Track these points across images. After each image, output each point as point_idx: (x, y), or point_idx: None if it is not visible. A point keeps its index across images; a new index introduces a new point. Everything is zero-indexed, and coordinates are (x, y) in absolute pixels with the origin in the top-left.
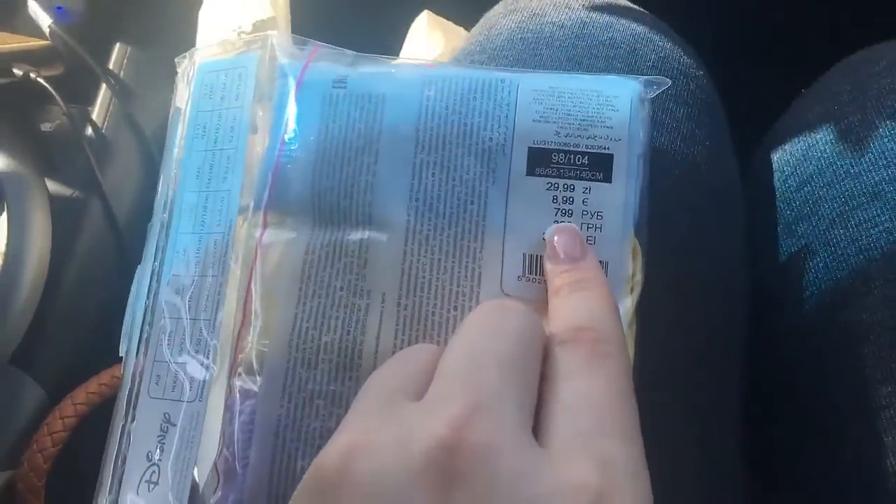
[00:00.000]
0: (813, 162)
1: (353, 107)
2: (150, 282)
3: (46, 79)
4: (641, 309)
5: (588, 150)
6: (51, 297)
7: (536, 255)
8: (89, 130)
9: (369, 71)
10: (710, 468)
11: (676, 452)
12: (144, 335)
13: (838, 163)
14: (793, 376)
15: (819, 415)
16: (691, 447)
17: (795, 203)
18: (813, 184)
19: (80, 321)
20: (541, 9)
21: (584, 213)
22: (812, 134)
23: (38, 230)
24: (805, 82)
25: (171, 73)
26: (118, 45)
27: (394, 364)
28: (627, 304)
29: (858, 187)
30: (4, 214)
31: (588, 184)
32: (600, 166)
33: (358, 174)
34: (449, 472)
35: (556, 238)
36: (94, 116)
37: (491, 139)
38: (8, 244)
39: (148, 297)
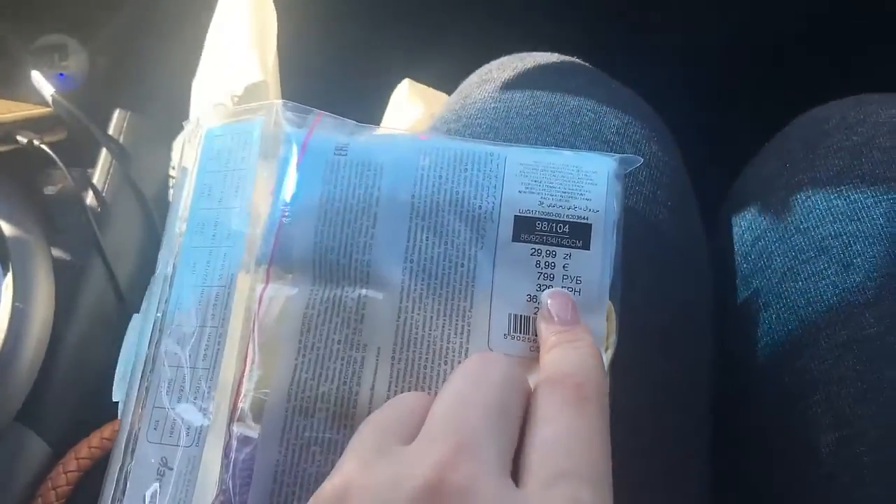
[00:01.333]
0: (767, 217)
1: (353, 173)
2: (153, 331)
3: (49, 144)
4: (619, 364)
5: (569, 220)
6: (54, 356)
7: (521, 316)
8: (90, 193)
9: (368, 140)
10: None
11: (639, 490)
12: (145, 383)
13: (789, 218)
14: (756, 420)
15: (781, 453)
16: (655, 485)
17: (751, 256)
18: (766, 238)
19: (83, 378)
20: (513, 79)
21: (565, 277)
22: (767, 189)
23: (41, 291)
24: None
25: (168, 138)
26: (118, 110)
27: (387, 409)
28: (604, 365)
29: (807, 242)
30: (9, 276)
31: (569, 250)
32: (580, 235)
33: (357, 235)
34: None
35: (550, 302)
36: (95, 180)
37: (480, 207)
38: (13, 306)
39: (149, 347)
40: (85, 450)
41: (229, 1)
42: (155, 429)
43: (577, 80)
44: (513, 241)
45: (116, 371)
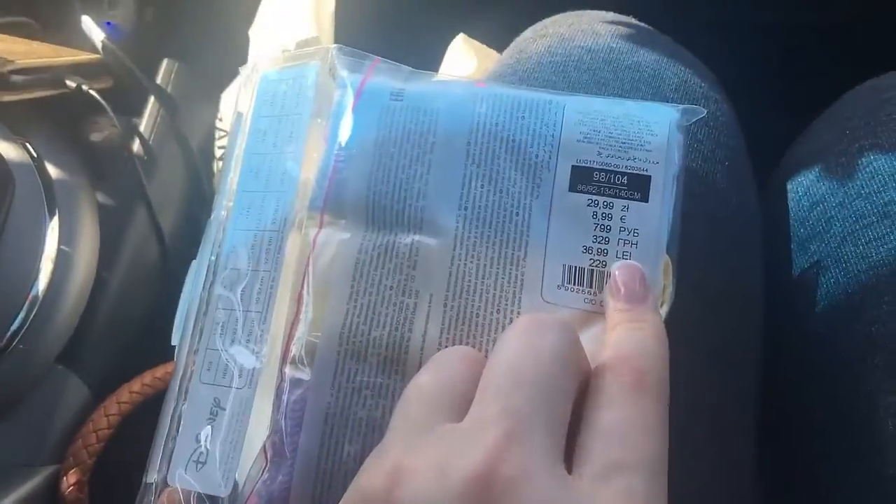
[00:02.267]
0: (825, 183)
1: (408, 119)
2: (206, 274)
3: (97, 91)
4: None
5: (628, 171)
6: (96, 300)
7: (575, 267)
8: (137, 142)
9: (424, 86)
10: (722, 461)
11: (691, 446)
12: (199, 325)
13: (849, 184)
14: (805, 383)
15: (830, 421)
16: (704, 441)
17: (808, 221)
18: (825, 203)
19: (125, 323)
20: (569, 34)
21: (622, 229)
22: (825, 157)
23: (86, 236)
24: (817, 110)
25: (215, 88)
26: (165, 60)
27: (433, 371)
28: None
29: (868, 207)
30: (55, 220)
31: (626, 202)
32: (639, 186)
33: (412, 181)
34: (483, 502)
35: (618, 273)
36: (141, 128)
37: (537, 155)
38: (58, 249)
39: (203, 289)
40: (126, 394)
41: None
42: (208, 370)
43: (636, 38)
44: (569, 190)
45: (177, 315)
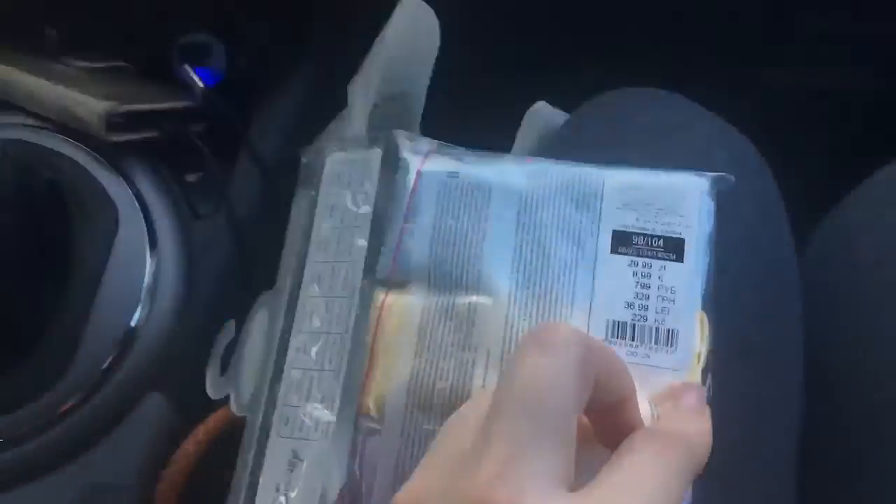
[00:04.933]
0: (861, 252)
1: (464, 194)
2: (281, 337)
3: (194, 134)
4: (714, 376)
5: (663, 235)
6: (187, 331)
7: (618, 321)
8: (229, 182)
9: (478, 164)
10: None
11: (739, 497)
12: (276, 384)
13: (882, 256)
14: (845, 443)
15: (874, 460)
16: (754, 495)
17: (845, 289)
18: (860, 273)
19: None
20: (625, 113)
21: (660, 287)
22: (858, 231)
23: (181, 270)
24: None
25: (304, 124)
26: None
27: (469, 404)
28: (697, 374)
29: None
30: (156, 253)
31: (663, 262)
32: (673, 248)
33: (469, 248)
34: None
35: (683, 392)
36: (233, 168)
37: (581, 223)
38: (156, 281)
39: (278, 351)
40: (213, 421)
41: (399, 18)
42: (286, 424)
43: (687, 116)
44: (611, 253)
45: (244, 350)
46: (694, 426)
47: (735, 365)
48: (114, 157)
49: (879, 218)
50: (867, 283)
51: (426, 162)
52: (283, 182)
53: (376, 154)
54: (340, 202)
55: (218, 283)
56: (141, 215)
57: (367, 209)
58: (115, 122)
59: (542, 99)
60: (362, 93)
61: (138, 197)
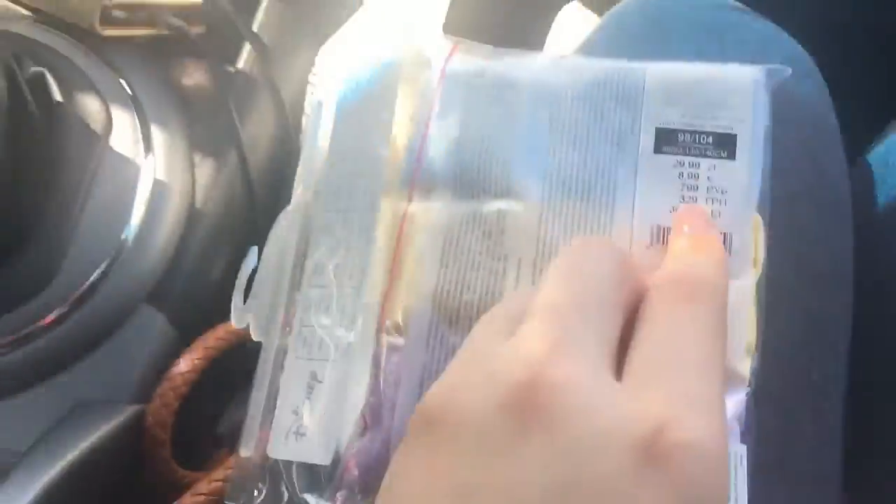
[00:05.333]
0: None
1: (492, 94)
2: (297, 254)
3: (195, 34)
4: (769, 290)
5: (713, 131)
6: (187, 242)
7: (664, 227)
8: (230, 88)
9: (507, 62)
10: (821, 436)
11: (792, 417)
12: (292, 302)
13: None
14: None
15: None
16: (805, 415)
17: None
18: None
19: (212, 266)
20: (671, 5)
21: (710, 188)
22: None
23: (180, 176)
24: None
25: (315, 33)
26: (266, 2)
27: (498, 307)
28: (750, 278)
29: None
30: (151, 157)
31: (713, 161)
32: (725, 145)
33: (497, 152)
34: (528, 405)
35: (682, 215)
36: (236, 74)
37: (620, 122)
38: (153, 188)
39: (294, 269)
40: (212, 340)
41: None
42: (304, 345)
43: (739, 15)
44: (654, 153)
45: (256, 286)
46: (708, 266)
47: (788, 277)
48: (108, 52)
49: None
50: None
51: (450, 60)
52: (293, 84)
53: (397, 52)
54: (358, 107)
55: (223, 197)
56: (135, 115)
57: (387, 114)
58: (111, 16)
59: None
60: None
61: (133, 96)
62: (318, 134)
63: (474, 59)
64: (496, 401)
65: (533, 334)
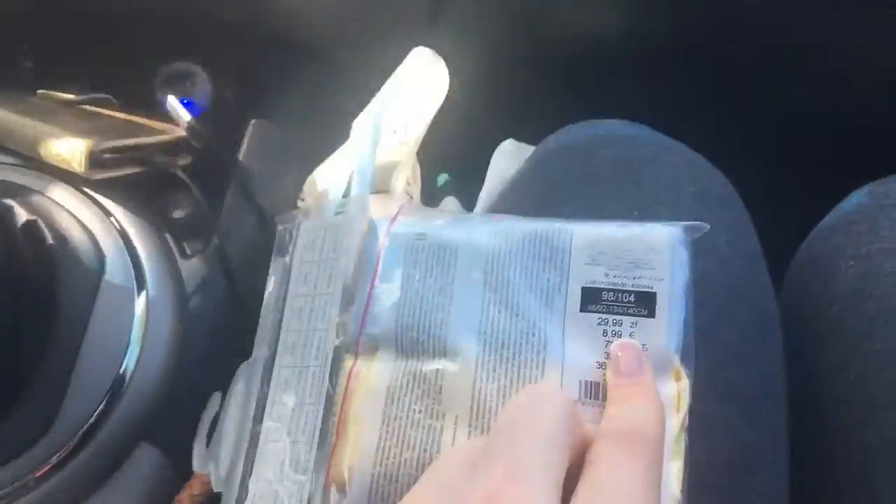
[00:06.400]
0: (838, 284)
1: (431, 256)
2: (256, 410)
3: (180, 168)
4: (696, 419)
5: (634, 290)
6: (181, 373)
7: (591, 382)
8: (218, 217)
9: (445, 224)
10: None
11: None
12: (250, 458)
13: (860, 286)
14: (835, 477)
15: None
16: None
17: (826, 320)
18: (839, 304)
19: (206, 396)
20: (593, 144)
21: None
22: (835, 259)
23: (172, 312)
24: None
25: (302, 157)
26: (254, 121)
27: (451, 452)
28: (674, 423)
29: (880, 307)
30: (144, 296)
31: (635, 318)
32: (645, 303)
33: (435, 312)
34: None
35: (619, 353)
36: (223, 203)
37: (549, 280)
38: (146, 325)
39: (253, 425)
40: (196, 484)
41: (413, 63)
42: (261, 499)
43: (655, 147)
44: (580, 311)
45: (219, 426)
46: (647, 419)
47: (717, 408)
48: (97, 192)
49: (854, 245)
50: (849, 312)
51: (394, 223)
52: (280, 206)
53: (348, 218)
54: (313, 270)
55: (212, 325)
56: (127, 256)
57: (339, 276)
58: (98, 160)
59: (512, 134)
60: (368, 130)
61: (124, 236)
62: (276, 293)
63: (417, 221)
64: None
65: (489, 465)
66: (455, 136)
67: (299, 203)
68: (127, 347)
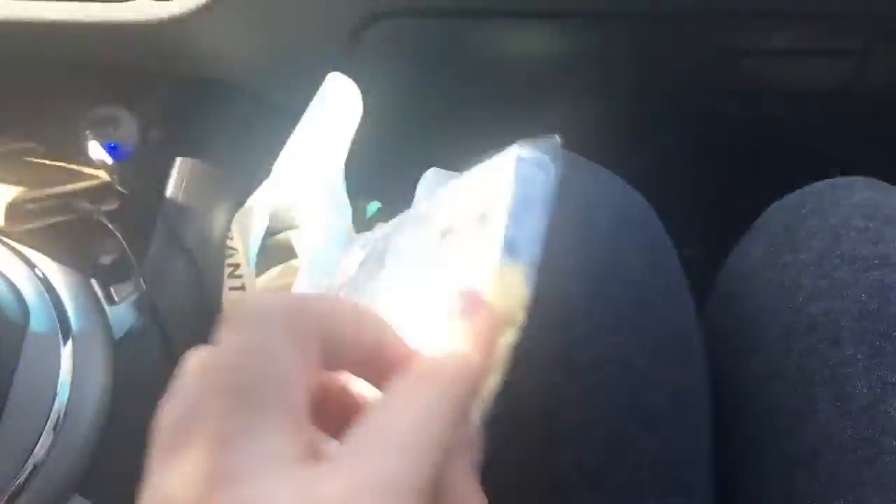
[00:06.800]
0: (757, 299)
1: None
2: None
3: (105, 213)
4: (610, 439)
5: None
6: (111, 426)
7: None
8: (145, 262)
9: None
10: None
11: None
12: None
13: (778, 298)
14: (757, 490)
15: None
16: None
17: (747, 335)
18: (759, 318)
19: (140, 448)
20: None
21: None
22: (754, 273)
23: (100, 362)
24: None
25: (230, 195)
26: (179, 160)
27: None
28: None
29: (798, 320)
30: (69, 347)
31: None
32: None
33: None
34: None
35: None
36: (150, 247)
37: None
38: (73, 377)
39: None
40: None
41: (327, 89)
42: None
43: (568, 170)
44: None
45: None
46: (466, 355)
47: (637, 434)
48: (20, 243)
49: (774, 255)
50: (766, 325)
51: None
52: (205, 258)
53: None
54: None
55: (144, 370)
56: (51, 305)
57: None
58: (20, 211)
59: (441, 160)
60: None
61: (47, 286)
62: None
63: None
64: None
65: (196, 454)
66: (384, 163)
67: (228, 242)
68: (54, 401)
